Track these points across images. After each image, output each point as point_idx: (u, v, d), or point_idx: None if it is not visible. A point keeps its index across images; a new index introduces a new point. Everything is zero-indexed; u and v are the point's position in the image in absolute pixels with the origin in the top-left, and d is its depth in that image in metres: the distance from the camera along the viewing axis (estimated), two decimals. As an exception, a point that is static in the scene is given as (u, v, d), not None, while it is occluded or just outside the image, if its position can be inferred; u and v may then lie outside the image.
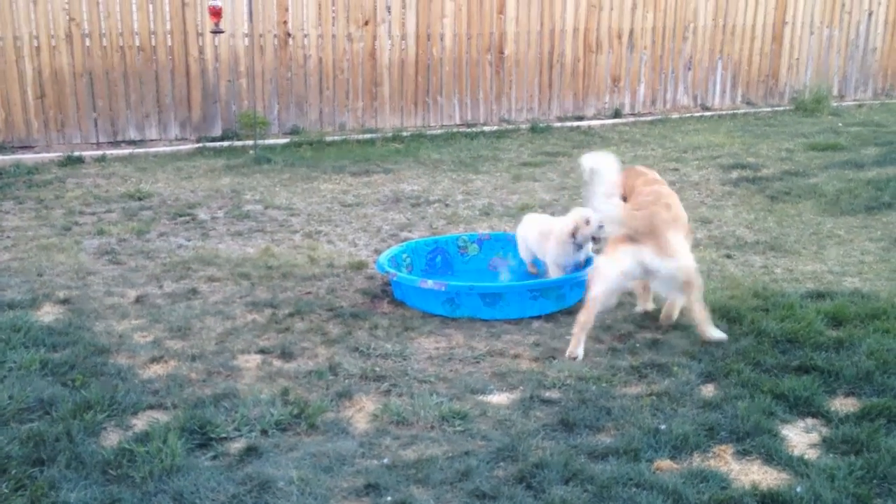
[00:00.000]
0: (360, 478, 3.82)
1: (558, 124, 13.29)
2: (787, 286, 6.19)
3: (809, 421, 4.36)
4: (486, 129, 12.84)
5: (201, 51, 11.61)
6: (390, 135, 12.13)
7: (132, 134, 11.48)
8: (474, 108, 13.27)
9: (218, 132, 11.84)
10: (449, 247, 6.85)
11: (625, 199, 5.37)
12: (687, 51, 14.54)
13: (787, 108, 14.79)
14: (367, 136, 12.09)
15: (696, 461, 3.98)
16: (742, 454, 4.04)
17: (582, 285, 6.08)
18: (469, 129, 12.73)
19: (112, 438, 4.13)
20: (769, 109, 14.71)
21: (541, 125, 12.96)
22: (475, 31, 13.02)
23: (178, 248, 7.28)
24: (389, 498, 3.66)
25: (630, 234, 5.12)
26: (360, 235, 7.72)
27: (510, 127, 12.98)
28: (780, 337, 5.25)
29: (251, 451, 4.03)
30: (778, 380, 4.70)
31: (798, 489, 3.67)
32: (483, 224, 8.02)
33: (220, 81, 11.78)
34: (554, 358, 5.10)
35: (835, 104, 14.85)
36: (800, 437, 4.21)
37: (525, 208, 8.52)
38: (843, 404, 4.51)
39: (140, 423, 4.30)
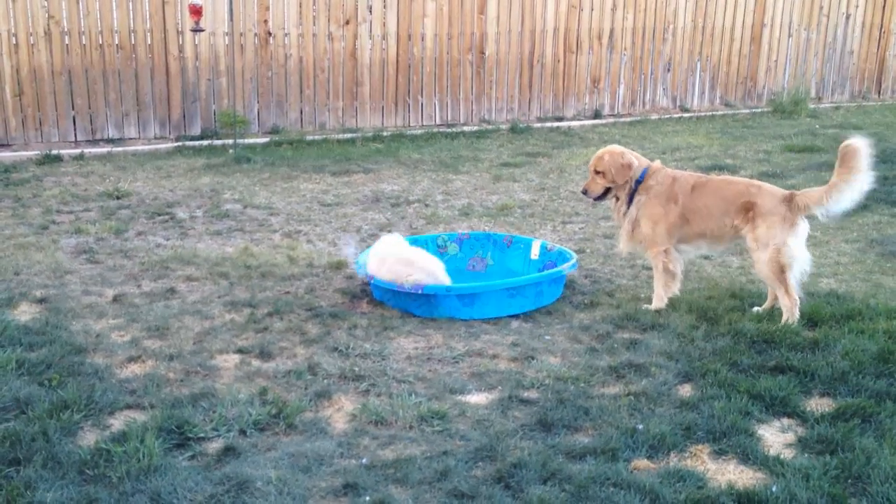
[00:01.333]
0: (338, 478, 3.82)
1: (538, 125, 13.33)
2: (763, 287, 6.24)
3: (785, 421, 4.40)
4: (466, 129, 12.86)
5: (181, 49, 11.55)
6: (371, 134, 12.12)
7: (111, 132, 11.41)
8: (455, 109, 13.28)
9: (197, 131, 11.78)
10: (428, 246, 6.85)
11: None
12: (666, 52, 14.62)
13: (766, 109, 14.90)
14: (348, 135, 12.08)
15: (673, 461, 4.01)
16: (718, 454, 4.07)
17: (560, 282, 6.12)
18: (449, 130, 12.74)
19: (89, 438, 4.11)
20: (747, 111, 14.82)
21: (521, 126, 12.99)
22: (456, 31, 13.03)
23: (157, 247, 7.25)
24: (368, 498, 3.66)
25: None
26: (339, 235, 7.71)
27: (490, 127, 13.00)
28: (756, 337, 5.30)
29: (229, 451, 4.02)
30: (754, 380, 4.74)
31: (774, 489, 3.70)
32: (463, 224, 8.04)
33: (200, 80, 11.73)
34: (532, 358, 5.12)
35: (812, 106, 14.97)
36: (776, 437, 4.25)
37: (505, 208, 8.55)
38: (818, 404, 4.56)
39: (117, 422, 4.28)
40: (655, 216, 5.83)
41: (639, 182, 5.90)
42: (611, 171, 5.91)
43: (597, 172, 6.00)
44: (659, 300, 5.86)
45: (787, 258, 5.50)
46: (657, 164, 6.00)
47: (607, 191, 6.02)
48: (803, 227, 5.59)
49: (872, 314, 5.64)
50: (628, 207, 5.95)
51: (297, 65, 12.23)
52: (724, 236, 5.80)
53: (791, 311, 5.50)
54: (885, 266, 6.86)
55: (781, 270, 5.49)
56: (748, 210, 5.59)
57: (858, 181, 5.39)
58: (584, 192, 6.15)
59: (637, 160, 5.95)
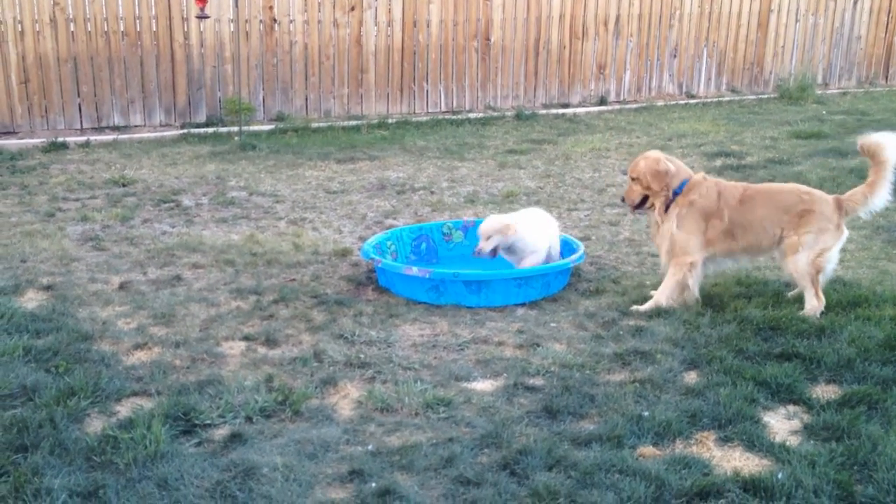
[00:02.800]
0: (344, 464, 3.83)
1: (544, 111, 13.30)
2: (769, 274, 6.22)
3: (791, 408, 4.40)
4: (471, 116, 12.83)
5: (186, 36, 11.54)
6: (376, 122, 12.11)
7: (116, 120, 11.42)
8: (460, 95, 13.25)
9: (203, 118, 11.78)
10: (434, 234, 6.86)
11: None
12: (673, 38, 14.56)
13: (772, 95, 14.85)
14: (353, 122, 12.06)
15: (679, 448, 4.01)
16: (724, 441, 4.07)
17: (567, 273, 6.11)
18: (455, 116, 12.72)
19: (96, 425, 4.12)
20: (754, 97, 14.76)
21: (526, 112, 12.96)
22: (461, 18, 12.99)
23: (163, 234, 7.26)
24: (374, 484, 3.66)
25: None
26: (344, 222, 7.72)
27: (496, 114, 12.98)
28: (762, 324, 5.29)
29: (235, 438, 4.03)
30: (760, 367, 4.73)
31: (779, 475, 3.70)
32: (468, 211, 8.03)
33: (206, 67, 11.72)
34: (538, 345, 5.12)
35: (819, 92, 14.91)
36: (781, 424, 4.24)
37: (510, 195, 8.54)
38: (824, 391, 4.55)
39: (124, 409, 4.29)
40: (692, 229, 5.59)
41: (676, 193, 5.65)
42: (646, 177, 5.66)
43: (633, 179, 5.77)
44: (654, 304, 5.64)
45: (826, 262, 5.50)
46: (700, 175, 5.73)
47: (645, 199, 5.77)
48: (846, 234, 5.61)
49: (879, 301, 5.63)
50: (664, 218, 5.69)
51: (303, 52, 12.21)
52: (771, 247, 5.65)
53: (815, 311, 5.46)
54: (892, 253, 6.84)
55: (818, 272, 5.47)
56: (802, 216, 5.51)
57: (891, 172, 5.44)
58: (623, 200, 5.96)
59: (676, 168, 5.69)
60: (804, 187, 5.75)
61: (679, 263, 5.62)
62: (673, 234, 5.64)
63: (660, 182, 5.65)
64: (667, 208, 5.69)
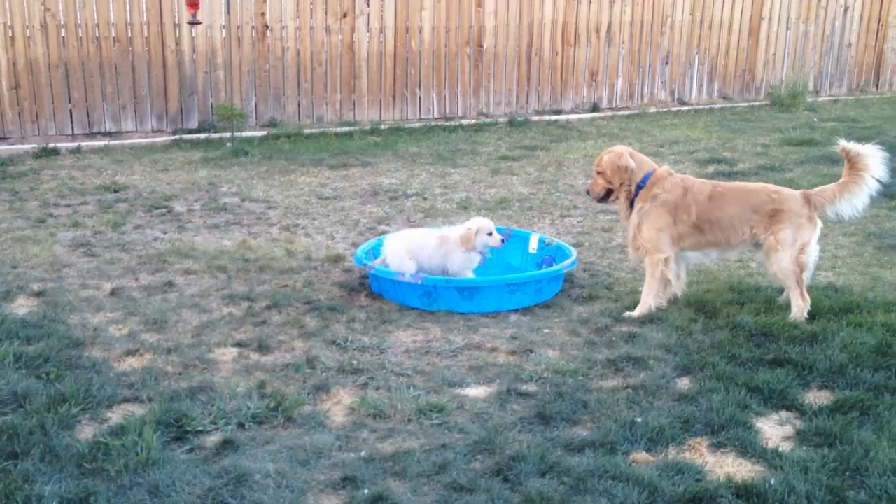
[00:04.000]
0: (336, 471, 3.82)
1: (536, 118, 13.32)
2: (762, 280, 6.23)
3: (783, 414, 4.40)
4: (464, 122, 12.85)
5: (178, 42, 11.53)
6: (368, 128, 12.11)
7: (108, 125, 11.39)
8: (452, 102, 13.27)
9: (195, 124, 11.77)
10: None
11: None
12: (664, 45, 14.60)
13: (764, 103, 14.90)
14: (346, 128, 12.06)
15: (672, 454, 4.00)
16: (717, 447, 4.07)
17: (560, 279, 6.11)
18: (447, 123, 12.73)
19: (87, 432, 4.10)
20: (745, 104, 14.81)
21: (519, 119, 12.98)
22: (454, 24, 13.00)
23: (154, 240, 7.24)
24: (366, 491, 3.65)
25: None
26: (337, 228, 7.71)
27: (488, 120, 12.99)
28: (755, 330, 5.30)
29: (227, 445, 4.01)
30: (753, 373, 4.74)
31: (772, 481, 3.70)
32: (461, 217, 8.01)
33: (197, 73, 11.71)
34: (531, 351, 5.11)
35: (810, 99, 14.97)
36: (774, 430, 4.25)
37: (503, 202, 8.54)
38: (816, 397, 4.56)
39: (115, 416, 4.27)
40: (660, 224, 5.66)
41: (640, 187, 5.74)
42: (607, 171, 5.79)
43: (598, 172, 5.89)
44: (644, 307, 5.68)
45: (808, 257, 5.52)
46: (664, 169, 5.81)
47: (609, 192, 5.88)
48: (820, 226, 5.62)
49: (870, 307, 5.64)
50: (630, 212, 5.81)
51: (295, 58, 12.20)
52: (740, 244, 5.72)
53: (802, 312, 5.49)
54: (884, 259, 6.86)
55: (802, 270, 5.49)
56: (773, 216, 5.55)
57: (868, 181, 5.46)
58: (588, 192, 6.07)
59: (638, 163, 5.77)
60: (773, 186, 5.79)
61: (654, 261, 5.69)
62: (641, 230, 5.72)
63: (620, 176, 5.77)
64: (632, 203, 5.79)
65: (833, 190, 5.52)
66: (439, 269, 6.02)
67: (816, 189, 5.62)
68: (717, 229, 5.65)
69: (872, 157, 5.47)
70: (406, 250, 6.00)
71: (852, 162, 5.49)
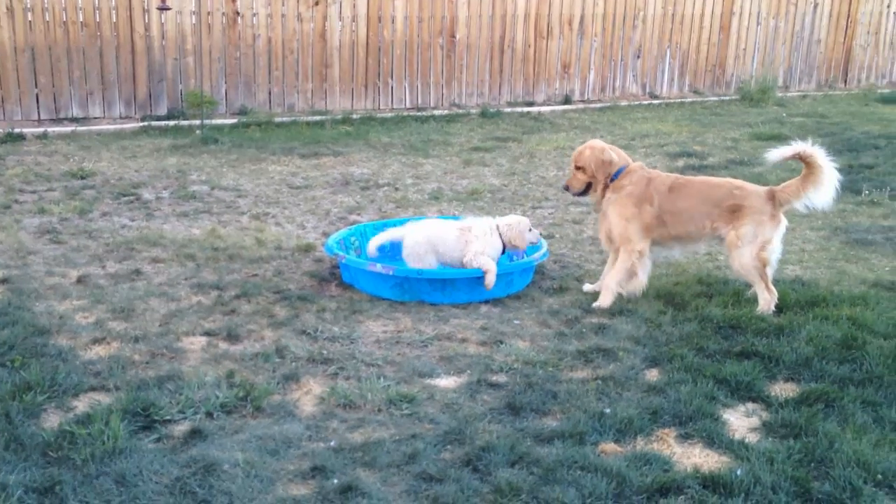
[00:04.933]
0: (306, 460, 3.80)
1: (508, 109, 13.32)
2: (730, 273, 6.28)
3: (750, 405, 4.44)
4: (436, 113, 12.83)
5: (147, 28, 11.40)
6: (340, 117, 12.05)
7: (75, 111, 11.25)
8: (425, 92, 13.24)
9: (164, 111, 11.65)
10: (398, 230, 6.82)
11: None
12: (636, 39, 14.66)
13: (734, 97, 15.01)
14: (317, 117, 12.00)
15: (640, 444, 4.03)
16: (684, 437, 4.10)
17: (531, 271, 6.13)
18: (420, 113, 12.70)
19: (52, 420, 4.05)
20: (716, 99, 14.92)
21: (491, 110, 12.98)
22: (426, 14, 12.97)
23: (122, 228, 7.16)
24: (336, 481, 3.64)
25: None
26: (308, 218, 7.67)
27: (460, 111, 12.98)
28: (723, 323, 5.34)
29: (195, 434, 3.98)
30: (720, 365, 4.78)
31: (738, 472, 3.74)
32: (433, 208, 8.02)
33: (167, 59, 11.59)
34: (501, 342, 5.12)
35: (780, 95, 15.10)
36: (741, 421, 4.29)
37: (475, 193, 8.54)
38: (782, 389, 4.60)
39: (81, 404, 4.22)
40: (628, 214, 5.71)
41: (612, 180, 5.80)
42: (590, 166, 5.80)
43: (577, 168, 5.88)
44: (608, 295, 5.71)
45: (770, 254, 5.56)
46: (637, 164, 5.89)
47: (588, 186, 5.90)
48: (784, 223, 5.66)
49: (836, 301, 5.71)
50: (606, 207, 5.82)
51: (266, 45, 12.11)
52: (701, 238, 5.78)
53: (769, 305, 5.54)
54: (849, 254, 6.94)
55: (764, 265, 5.54)
56: (734, 211, 5.60)
57: (828, 172, 5.51)
58: (566, 189, 6.03)
59: (617, 157, 5.83)
60: (737, 182, 5.86)
61: (628, 251, 5.72)
62: (611, 221, 5.77)
63: (604, 171, 5.82)
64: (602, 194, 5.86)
65: (796, 184, 5.57)
66: (458, 262, 5.95)
67: (782, 185, 5.68)
68: (678, 222, 5.71)
69: (820, 154, 5.52)
70: (427, 243, 5.97)
71: (808, 163, 5.53)
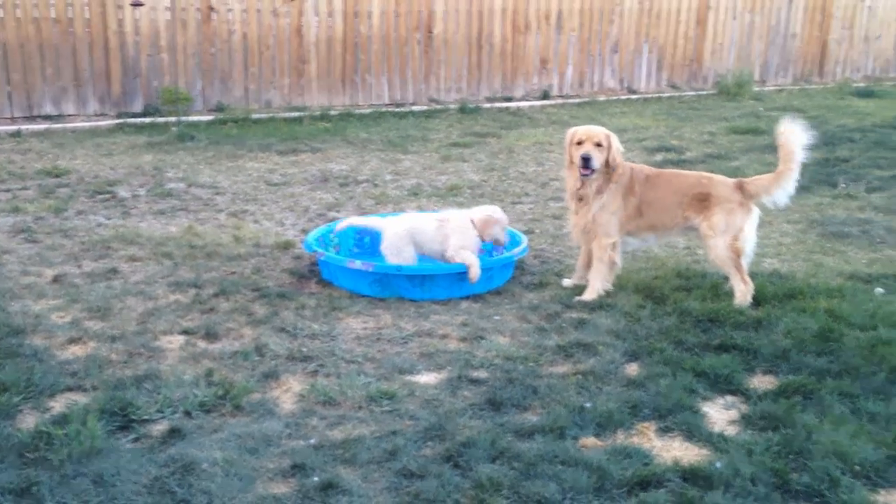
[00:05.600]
0: (286, 458, 3.78)
1: (487, 105, 13.32)
2: (708, 267, 6.30)
3: (729, 398, 4.46)
4: (414, 108, 12.80)
5: (120, 24, 11.30)
6: (318, 113, 12.00)
7: (49, 108, 11.14)
8: (403, 88, 13.21)
9: (139, 108, 11.56)
10: (377, 226, 6.80)
11: None
12: (614, 33, 14.69)
13: (711, 92, 15.08)
14: (295, 114, 11.95)
15: (620, 438, 4.04)
16: (664, 431, 4.12)
17: (511, 266, 6.12)
18: (398, 109, 12.67)
19: (29, 421, 4.01)
20: (693, 93, 14.98)
21: (470, 106, 12.96)
22: (403, 10, 12.93)
23: (98, 226, 7.10)
24: (316, 478, 3.62)
25: None
26: (286, 215, 7.63)
27: (439, 107, 12.96)
28: (701, 316, 5.36)
29: (174, 433, 3.95)
30: (699, 358, 4.80)
31: (718, 464, 3.75)
32: (412, 204, 8.00)
33: (141, 55, 11.49)
34: (482, 338, 5.12)
35: (756, 89, 15.19)
36: (720, 414, 4.30)
37: (454, 189, 8.53)
38: (761, 382, 4.63)
39: (58, 405, 4.18)
40: (614, 208, 5.73)
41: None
42: (610, 152, 5.66)
43: (598, 145, 5.66)
44: (593, 292, 5.74)
45: (743, 243, 5.59)
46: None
47: (595, 168, 5.67)
48: (756, 213, 5.69)
49: (813, 293, 5.75)
50: (596, 195, 5.72)
51: (242, 41, 12.04)
52: (673, 228, 5.83)
53: (745, 296, 5.57)
54: (826, 246, 6.99)
55: (738, 255, 5.57)
56: (702, 200, 5.64)
57: (796, 173, 5.57)
58: (586, 161, 5.62)
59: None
60: (707, 173, 5.95)
61: (602, 246, 5.75)
62: (595, 215, 5.75)
63: (618, 161, 5.73)
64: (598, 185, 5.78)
65: (768, 179, 5.62)
66: (439, 255, 5.96)
67: (751, 178, 5.74)
68: (653, 211, 5.76)
69: (798, 144, 5.55)
70: (406, 235, 5.95)
71: (785, 151, 5.57)
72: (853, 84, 16.19)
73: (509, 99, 13.81)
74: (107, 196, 7.98)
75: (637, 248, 6.21)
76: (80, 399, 4.23)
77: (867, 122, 12.18)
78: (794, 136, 5.56)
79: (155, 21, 11.45)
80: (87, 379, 4.42)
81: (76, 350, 4.80)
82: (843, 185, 8.75)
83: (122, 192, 8.12)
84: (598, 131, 5.79)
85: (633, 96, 14.56)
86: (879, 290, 5.91)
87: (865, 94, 15.07)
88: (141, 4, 10.84)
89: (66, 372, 4.50)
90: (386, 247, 5.98)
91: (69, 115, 11.21)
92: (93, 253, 6.41)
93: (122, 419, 4.04)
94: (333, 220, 7.21)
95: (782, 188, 5.59)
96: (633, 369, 4.75)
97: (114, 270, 6.05)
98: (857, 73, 17.28)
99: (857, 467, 3.76)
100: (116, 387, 4.33)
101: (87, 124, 10.93)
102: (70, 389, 4.34)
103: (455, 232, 5.93)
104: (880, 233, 7.33)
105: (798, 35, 16.48)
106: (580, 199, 5.83)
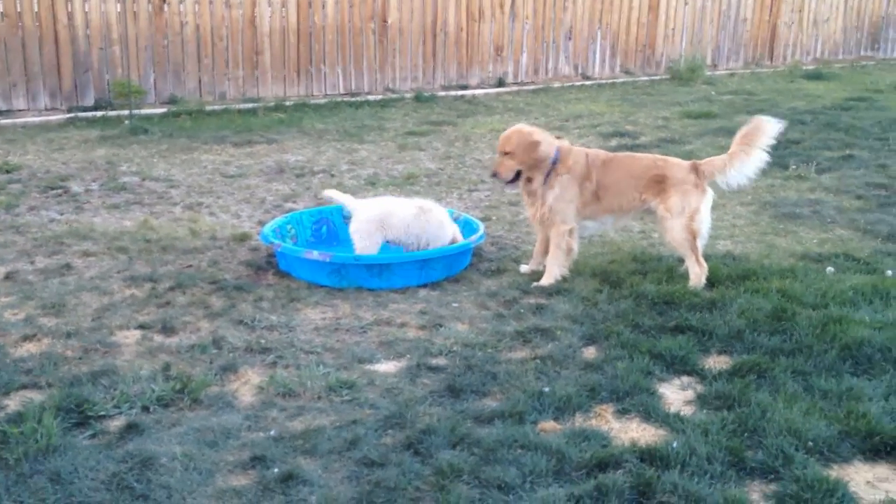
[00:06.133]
0: (245, 451, 3.77)
1: (443, 93, 13.31)
2: (663, 250, 6.38)
3: (685, 379, 4.53)
4: (370, 98, 12.76)
5: (70, 17, 11.11)
6: (273, 104, 11.92)
7: (-2, 103, 10.93)
8: (358, 78, 13.15)
9: (91, 102, 11.39)
10: (334, 217, 6.79)
11: None
12: (567, 20, 14.75)
13: (664, 77, 15.22)
14: (249, 105, 11.85)
15: (579, 421, 4.08)
16: (622, 413, 4.17)
17: (468, 254, 6.14)
18: (353, 99, 12.63)
19: (-18, 421, 3.96)
20: (647, 78, 15.10)
21: (425, 94, 12.95)
22: (358, -1, 12.87)
23: (51, 222, 6.99)
24: (276, 470, 3.62)
25: None
26: (243, 207, 7.58)
27: (395, 96, 12.93)
28: (657, 299, 5.43)
29: (132, 429, 3.92)
30: (655, 340, 4.86)
31: (674, 444, 3.81)
32: (369, 193, 7.98)
33: (92, 49, 11.32)
34: (441, 325, 5.13)
35: (708, 73, 15.35)
36: (676, 395, 4.36)
37: (411, 177, 8.53)
38: (716, 362, 4.70)
39: (13, 403, 4.12)
40: (570, 196, 5.76)
41: (554, 162, 5.77)
42: (519, 150, 5.71)
43: (505, 153, 5.77)
44: (551, 277, 5.77)
45: (699, 224, 5.66)
46: (566, 143, 5.92)
47: (518, 174, 5.80)
48: (710, 193, 5.77)
49: (766, 274, 5.84)
50: (544, 189, 5.78)
51: (194, 33, 11.91)
52: (631, 210, 5.90)
53: (700, 278, 5.65)
54: (778, 227, 7.10)
55: (694, 237, 5.64)
56: (659, 182, 5.71)
57: (757, 156, 5.63)
58: (494, 176, 5.90)
59: (545, 138, 5.80)
60: (661, 156, 6.05)
61: (560, 232, 5.79)
62: (551, 204, 5.78)
63: (531, 153, 5.72)
64: (545, 179, 5.80)
65: (723, 160, 5.71)
66: (415, 241, 5.97)
67: (706, 160, 5.82)
68: (610, 195, 5.82)
69: (767, 133, 5.65)
70: (378, 220, 5.94)
71: (749, 136, 5.66)
72: (803, 67, 16.43)
73: (465, 87, 13.82)
74: (59, 191, 7.86)
75: (595, 233, 6.27)
76: (36, 397, 4.17)
77: (817, 105, 12.37)
78: (763, 125, 5.63)
79: (106, 14, 11.28)
80: (42, 376, 4.37)
81: (31, 347, 4.73)
82: (794, 167, 8.89)
83: (75, 187, 8.00)
84: (508, 136, 5.84)
85: (588, 82, 14.64)
86: (830, 269, 6.03)
87: (815, 76, 15.30)
88: (90, -4, 10.69)
89: (21, 370, 4.44)
90: (355, 230, 5.95)
91: (19, 111, 11.01)
92: (46, 249, 6.32)
93: (79, 416, 4.00)
94: (290, 210, 7.17)
95: (736, 169, 5.67)
96: (590, 353, 4.80)
97: (67, 266, 5.97)
98: (806, 56, 17.53)
99: (811, 444, 3.83)
100: (72, 383, 4.28)
101: (37, 119, 10.75)
102: (25, 387, 4.29)
103: (433, 224, 5.98)
104: (830, 213, 7.47)
105: (749, 19, 16.67)
106: (530, 195, 5.88)
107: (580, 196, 5.79)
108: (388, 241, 6.01)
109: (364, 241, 5.89)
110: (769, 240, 6.78)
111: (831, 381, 4.38)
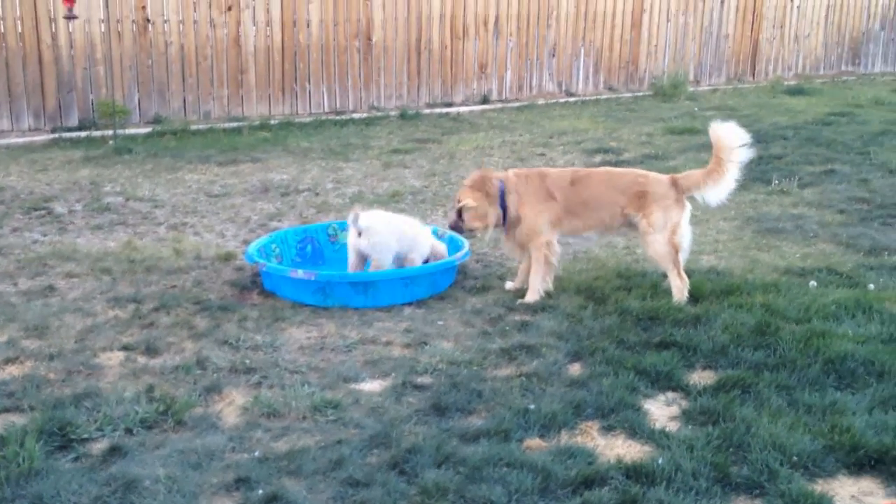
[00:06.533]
0: (230, 472, 3.75)
1: (427, 111, 13.35)
2: (648, 266, 6.40)
3: (670, 394, 4.54)
4: (355, 116, 12.78)
5: (54, 37, 11.10)
6: (257, 123, 11.91)
7: (-19, 124, 10.88)
8: (343, 96, 13.18)
9: (75, 122, 11.36)
10: (319, 235, 6.79)
11: None
12: (551, 38, 14.83)
13: (647, 93, 15.29)
14: (234, 124, 11.84)
15: (564, 438, 4.08)
16: (607, 429, 4.17)
17: (453, 271, 6.15)
18: (338, 117, 12.64)
19: (-36, 445, 3.92)
20: (630, 95, 15.17)
21: (410, 112, 12.98)
22: (342, 18, 12.91)
23: (34, 243, 6.96)
24: (261, 491, 3.60)
25: None
26: (227, 226, 7.56)
27: (380, 114, 12.95)
28: (642, 315, 5.44)
29: (115, 451, 3.90)
30: (640, 356, 4.87)
31: (660, 461, 3.81)
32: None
33: (76, 69, 11.30)
34: (426, 343, 5.13)
35: (691, 89, 15.44)
36: (661, 411, 4.37)
37: (396, 195, 8.54)
38: (700, 377, 4.71)
39: (-6, 427, 4.10)
40: (537, 209, 5.82)
41: (503, 192, 5.85)
42: (483, 190, 5.86)
43: (461, 210, 5.91)
44: (534, 293, 5.79)
45: (681, 238, 5.72)
46: (510, 172, 5.99)
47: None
48: (689, 207, 5.82)
49: (750, 289, 5.86)
50: (504, 215, 5.88)
51: (179, 52, 11.91)
52: (614, 225, 5.95)
53: (682, 292, 5.68)
54: (762, 242, 7.14)
55: (676, 251, 5.68)
56: (640, 198, 5.75)
57: (733, 172, 5.70)
58: (458, 230, 6.12)
59: (495, 179, 5.90)
60: (641, 171, 6.15)
61: (537, 246, 5.82)
62: (522, 223, 5.83)
63: (490, 188, 5.83)
64: (504, 219, 5.89)
65: (700, 175, 5.77)
66: (401, 258, 6.05)
67: (684, 174, 5.90)
68: (591, 210, 5.87)
69: (736, 146, 5.69)
70: (394, 234, 5.97)
71: (719, 150, 5.71)
72: (785, 82, 16.55)
73: (449, 104, 13.86)
74: (43, 212, 7.83)
75: (579, 249, 6.29)
76: (18, 420, 4.15)
77: (799, 120, 12.46)
78: (727, 136, 5.69)
79: (90, 34, 11.27)
80: (24, 399, 4.34)
81: (13, 370, 4.70)
82: (777, 182, 8.95)
83: (59, 208, 7.97)
84: (461, 192, 5.97)
85: (572, 99, 14.70)
86: (813, 283, 6.06)
87: (797, 91, 15.41)
88: (75, 17, 10.66)
89: (3, 393, 4.41)
90: (374, 243, 5.89)
91: (3, 131, 10.97)
92: (29, 270, 6.28)
93: (62, 439, 3.97)
94: (275, 229, 7.17)
95: (714, 184, 5.72)
96: (575, 369, 4.80)
97: (51, 288, 5.94)
98: (788, 71, 17.67)
99: (795, 458, 3.84)
100: (55, 406, 4.25)
101: (21, 140, 10.71)
102: (7, 410, 4.26)
103: (422, 237, 6.15)
104: (813, 227, 7.51)
105: (731, 35, 16.80)
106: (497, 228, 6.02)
107: (549, 211, 5.82)
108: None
109: (380, 254, 5.88)
110: (752, 255, 6.81)
111: (815, 396, 4.40)
